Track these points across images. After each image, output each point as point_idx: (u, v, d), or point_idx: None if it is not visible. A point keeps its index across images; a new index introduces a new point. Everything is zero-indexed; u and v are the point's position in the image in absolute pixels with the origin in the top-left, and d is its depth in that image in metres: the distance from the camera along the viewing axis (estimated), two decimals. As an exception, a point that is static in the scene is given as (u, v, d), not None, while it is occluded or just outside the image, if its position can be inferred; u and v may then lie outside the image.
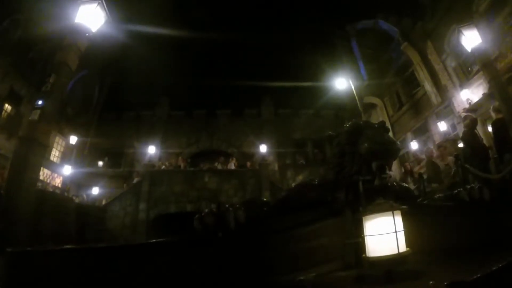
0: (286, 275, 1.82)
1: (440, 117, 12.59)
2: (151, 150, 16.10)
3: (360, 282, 1.80)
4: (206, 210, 1.96)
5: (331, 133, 2.36)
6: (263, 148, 16.92)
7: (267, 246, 1.88)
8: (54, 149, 17.29)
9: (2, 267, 1.85)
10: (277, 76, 19.44)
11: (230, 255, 1.84)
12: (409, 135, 14.79)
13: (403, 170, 8.42)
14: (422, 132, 13.50)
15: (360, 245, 1.82)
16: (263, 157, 16.38)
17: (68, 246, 2.49)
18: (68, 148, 18.02)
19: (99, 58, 18.12)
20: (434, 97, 13.19)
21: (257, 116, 20.93)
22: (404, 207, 1.77)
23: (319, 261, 1.91)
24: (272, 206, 2.26)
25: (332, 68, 18.24)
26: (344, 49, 16.99)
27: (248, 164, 15.86)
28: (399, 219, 1.75)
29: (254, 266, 1.81)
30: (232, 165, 15.51)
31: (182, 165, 14.88)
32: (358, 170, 1.99)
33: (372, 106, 17.63)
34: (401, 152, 14.43)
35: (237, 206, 1.95)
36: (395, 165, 10.79)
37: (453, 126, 11.89)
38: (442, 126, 11.90)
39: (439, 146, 8.13)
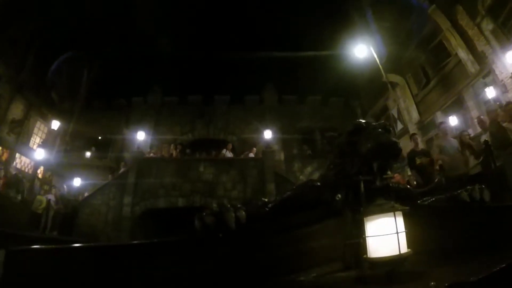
0: (286, 275, 1.85)
1: (479, 89, 11.42)
2: (140, 136, 13.94)
3: (361, 282, 1.85)
4: (206, 211, 1.99)
5: (331, 133, 2.39)
6: (267, 134, 14.67)
7: (267, 247, 1.91)
8: (35, 136, 16.51)
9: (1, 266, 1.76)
10: (280, 58, 17.61)
11: (230, 256, 1.88)
12: (438, 115, 13.45)
13: (457, 145, 7.35)
14: (455, 109, 11.46)
15: (360, 246, 1.83)
16: (267, 144, 14.12)
17: (68, 245, 2.71)
18: (51, 135, 17.22)
19: (87, 39, 17.36)
20: (470, 66, 11.66)
21: (258, 102, 19.66)
22: (406, 207, 1.79)
23: (320, 261, 1.92)
24: (273, 206, 2.26)
25: (343, 45, 16.76)
26: (358, 21, 14.77)
27: (253, 151, 13.66)
28: (400, 220, 1.78)
29: (254, 267, 1.84)
30: (227, 153, 14.59)
31: (174, 153, 12.77)
32: (359, 170, 1.98)
33: (392, 85, 15.91)
34: (431, 134, 13.76)
35: (238, 206, 1.98)
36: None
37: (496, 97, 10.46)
38: (489, 92, 10.63)
39: (507, 104, 7.11)
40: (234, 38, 20.28)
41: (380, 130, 2.02)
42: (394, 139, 1.97)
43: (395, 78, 15.73)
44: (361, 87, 19.59)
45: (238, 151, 16.24)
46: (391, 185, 2.06)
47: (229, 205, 1.97)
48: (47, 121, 16.76)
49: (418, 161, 7.30)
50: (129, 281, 1.83)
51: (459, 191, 2.33)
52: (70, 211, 12.89)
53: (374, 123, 2.11)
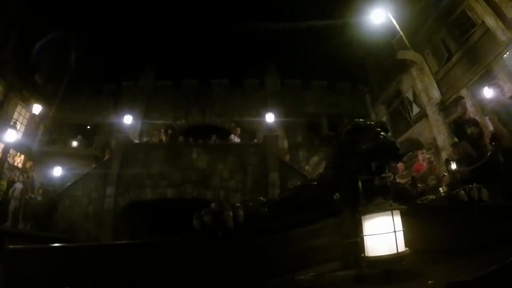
0: (285, 275, 1.90)
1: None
2: (128, 120, 12.53)
3: (359, 281, 1.90)
4: (204, 210, 1.99)
5: (329, 133, 2.49)
6: (269, 118, 13.25)
7: (265, 246, 1.97)
8: (16, 122, 15.31)
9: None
10: (283, 37, 16.60)
11: (228, 255, 1.93)
12: (463, 93, 12.05)
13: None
14: (483, 84, 10.55)
15: (358, 245, 1.90)
16: (270, 129, 12.72)
17: (68, 244, 2.81)
18: (34, 121, 16.30)
19: (74, 18, 16.89)
20: (500, 34, 10.62)
21: (259, 87, 18.46)
22: (403, 207, 1.87)
23: (318, 261, 1.98)
24: (271, 206, 2.31)
25: (350, 23, 16.09)
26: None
27: (236, 131, 12.48)
28: (398, 219, 1.85)
29: (252, 266, 1.90)
30: (236, 139, 13.75)
31: (164, 138, 11.35)
32: (357, 170, 2.04)
33: (407, 65, 15.01)
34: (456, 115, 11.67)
35: (237, 205, 2.02)
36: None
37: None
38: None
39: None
40: (232, 14, 18.94)
41: (378, 129, 2.05)
42: (392, 138, 2.02)
43: (411, 55, 14.70)
44: (370, 72, 18.43)
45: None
46: (389, 184, 2.06)
47: (227, 205, 1.99)
48: (28, 105, 15.89)
49: (469, 130, 6.27)
50: (128, 281, 1.87)
51: (456, 190, 2.35)
52: (47, 203, 12.03)
53: (373, 123, 2.15)
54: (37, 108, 15.53)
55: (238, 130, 14.08)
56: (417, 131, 15.17)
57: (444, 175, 8.32)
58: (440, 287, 1.33)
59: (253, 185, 11.65)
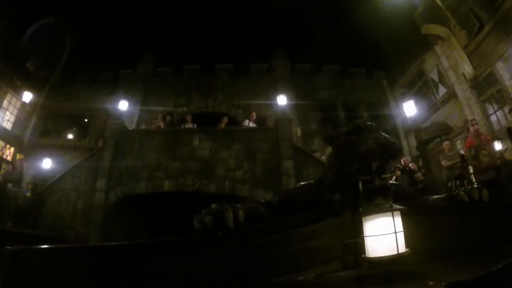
0: (285, 275, 1.93)
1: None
2: (123, 106, 11.28)
3: (360, 282, 1.95)
4: (204, 210, 2.05)
5: (330, 133, 2.48)
6: (281, 100, 13.99)
7: (266, 246, 2.01)
8: (4, 110, 14.38)
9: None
10: (291, 16, 15.43)
11: (228, 255, 1.97)
12: (499, 66, 11.00)
13: None
14: None
15: (359, 246, 1.95)
16: (282, 112, 13.49)
17: (69, 245, 2.82)
18: (25, 111, 15.31)
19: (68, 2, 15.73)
20: None
21: (267, 72, 17.14)
22: (404, 207, 1.90)
23: (319, 261, 2.02)
24: (271, 206, 2.35)
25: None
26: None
27: (251, 117, 12.59)
28: (398, 219, 1.89)
29: (252, 267, 1.93)
30: (251, 125, 12.24)
31: (162, 125, 10.06)
32: (358, 170, 2.08)
33: (431, 42, 13.82)
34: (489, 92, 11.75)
35: (237, 206, 2.08)
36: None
37: None
38: None
39: None
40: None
41: (379, 130, 2.10)
42: (393, 139, 2.05)
43: (436, 29, 13.59)
44: (388, 54, 16.91)
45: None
46: (389, 185, 2.11)
47: (227, 205, 2.06)
48: (19, 94, 15.10)
49: None
50: (128, 281, 1.91)
51: (457, 191, 2.38)
52: (34, 198, 11.09)
53: (373, 124, 2.18)
54: (27, 96, 14.84)
55: (254, 115, 12.66)
56: (444, 114, 14.27)
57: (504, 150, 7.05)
58: (440, 287, 1.42)
59: (263, 175, 10.40)
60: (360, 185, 1.95)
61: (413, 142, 14.53)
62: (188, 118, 12.40)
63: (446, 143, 9.55)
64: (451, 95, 13.43)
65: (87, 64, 16.98)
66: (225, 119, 12.92)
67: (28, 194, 11.48)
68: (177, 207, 9.83)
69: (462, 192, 2.28)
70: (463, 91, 12.61)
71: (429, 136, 14.84)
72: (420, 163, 10.36)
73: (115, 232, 10.19)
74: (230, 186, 10.45)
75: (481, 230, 2.11)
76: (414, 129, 9.62)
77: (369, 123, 2.16)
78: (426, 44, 14.14)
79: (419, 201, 2.51)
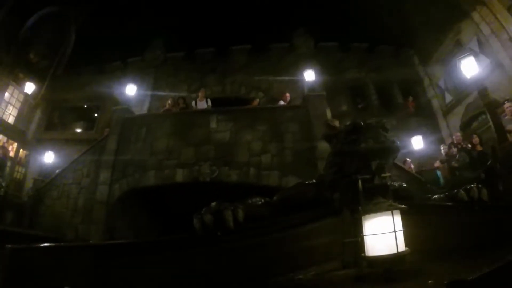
0: (285, 274, 1.98)
1: None
2: (131, 90, 10.06)
3: (359, 281, 1.99)
4: (204, 209, 2.10)
5: (329, 133, 2.53)
6: (309, 76, 12.59)
7: (265, 245, 2.07)
8: (6, 104, 13.55)
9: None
10: None
11: (228, 254, 2.03)
12: None
13: None
14: None
15: (359, 245, 1.99)
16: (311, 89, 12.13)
17: (68, 244, 2.87)
18: (29, 105, 14.47)
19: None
20: None
21: (289, 51, 15.61)
22: (403, 206, 1.94)
23: (318, 260, 2.06)
24: (271, 205, 2.39)
25: None
26: None
27: (285, 97, 11.00)
28: (398, 218, 1.93)
29: (252, 265, 1.98)
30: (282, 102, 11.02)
31: (173, 109, 8.83)
32: (357, 169, 2.11)
33: (465, 10, 12.39)
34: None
35: (237, 205, 2.13)
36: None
37: None
38: None
39: None
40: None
41: (378, 129, 2.13)
42: (392, 138, 2.09)
43: None
44: (417, 29, 15.61)
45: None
46: (389, 184, 2.17)
47: (227, 204, 2.13)
48: (22, 86, 14.29)
49: None
50: (128, 280, 1.94)
51: (457, 190, 2.40)
52: (34, 195, 10.07)
53: (373, 123, 2.19)
54: (30, 87, 14.10)
55: (288, 96, 11.22)
56: (489, 87, 12.26)
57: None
58: (440, 286, 1.39)
59: (294, 160, 8.89)
60: (360, 184, 1.98)
61: (454, 121, 13.19)
62: (201, 93, 10.99)
63: (508, 104, 8.09)
64: (496, 66, 11.48)
65: (94, 53, 16.56)
66: (257, 101, 12.03)
67: (30, 192, 10.71)
68: (192, 200, 8.59)
69: (462, 192, 2.30)
70: (510, 59, 10.88)
71: (473, 113, 13.47)
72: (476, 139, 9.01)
73: (120, 232, 9.08)
74: (255, 174, 9.04)
75: (481, 229, 2.13)
76: (479, 89, 8.23)
77: (368, 122, 2.17)
78: (461, 12, 12.64)
79: (418, 200, 2.55)
